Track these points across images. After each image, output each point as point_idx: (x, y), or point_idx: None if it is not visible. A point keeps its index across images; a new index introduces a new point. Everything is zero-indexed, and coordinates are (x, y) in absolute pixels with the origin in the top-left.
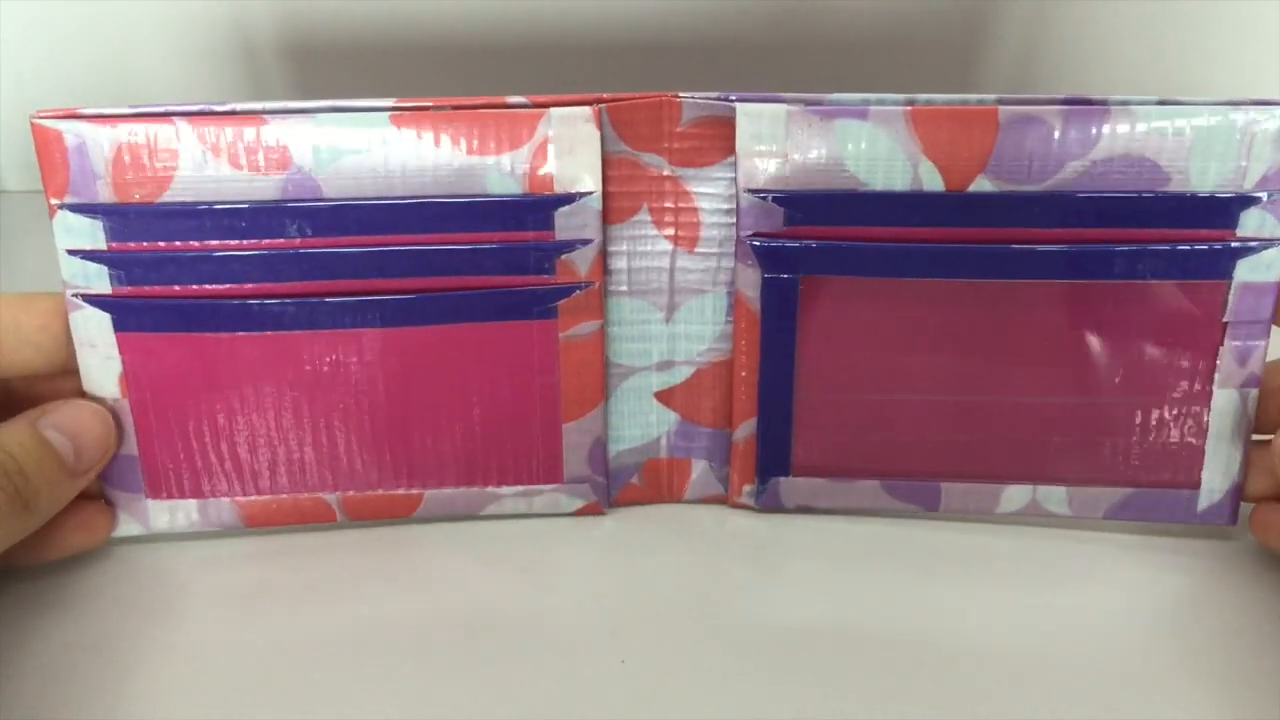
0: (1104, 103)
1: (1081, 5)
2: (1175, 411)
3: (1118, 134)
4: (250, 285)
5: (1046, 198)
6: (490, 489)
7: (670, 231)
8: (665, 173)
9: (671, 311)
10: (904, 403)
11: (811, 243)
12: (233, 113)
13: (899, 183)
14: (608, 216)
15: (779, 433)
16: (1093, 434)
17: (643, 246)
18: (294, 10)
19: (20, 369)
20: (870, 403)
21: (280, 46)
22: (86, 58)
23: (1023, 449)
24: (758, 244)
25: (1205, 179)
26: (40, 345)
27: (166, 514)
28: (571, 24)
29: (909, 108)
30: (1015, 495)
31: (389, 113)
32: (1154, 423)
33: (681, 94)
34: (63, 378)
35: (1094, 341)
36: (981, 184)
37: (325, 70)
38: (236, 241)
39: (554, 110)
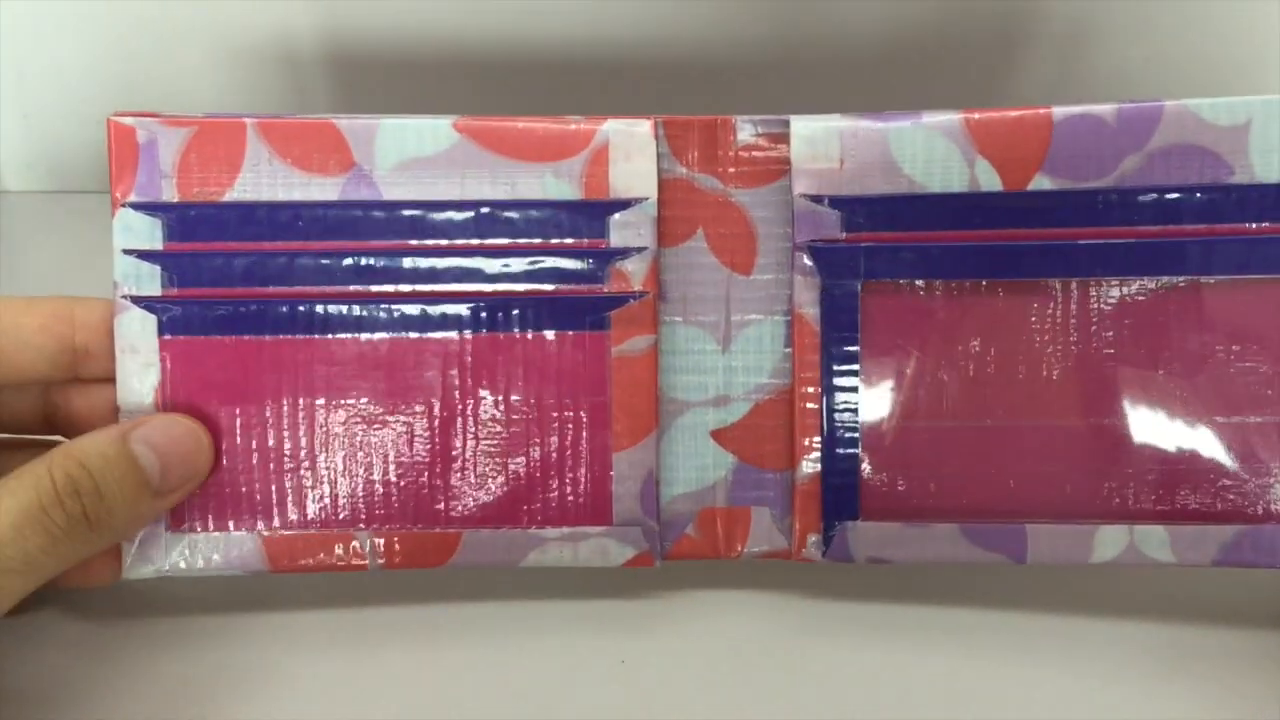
0: (1158, 100)
1: (1118, 38)
2: (1274, 429)
3: (1172, 126)
4: (300, 288)
5: (1107, 193)
6: (533, 530)
7: (727, 256)
8: (721, 195)
9: (727, 341)
10: (979, 430)
11: (871, 245)
12: (300, 118)
13: (956, 183)
14: (662, 239)
15: (846, 467)
16: (1190, 460)
17: (698, 271)
18: (340, 24)
19: (24, 373)
20: (942, 430)
21: (325, 62)
22: (122, 71)
23: (1114, 481)
24: (816, 248)
25: (1270, 169)
26: (42, 349)
27: (185, 550)
28: (616, 45)
29: (962, 115)
30: (1110, 539)
31: (451, 120)
32: (1256, 443)
33: (736, 115)
34: (76, 388)
35: (1182, 351)
36: (1040, 182)
37: (371, 85)
38: (290, 243)
39: (610, 122)
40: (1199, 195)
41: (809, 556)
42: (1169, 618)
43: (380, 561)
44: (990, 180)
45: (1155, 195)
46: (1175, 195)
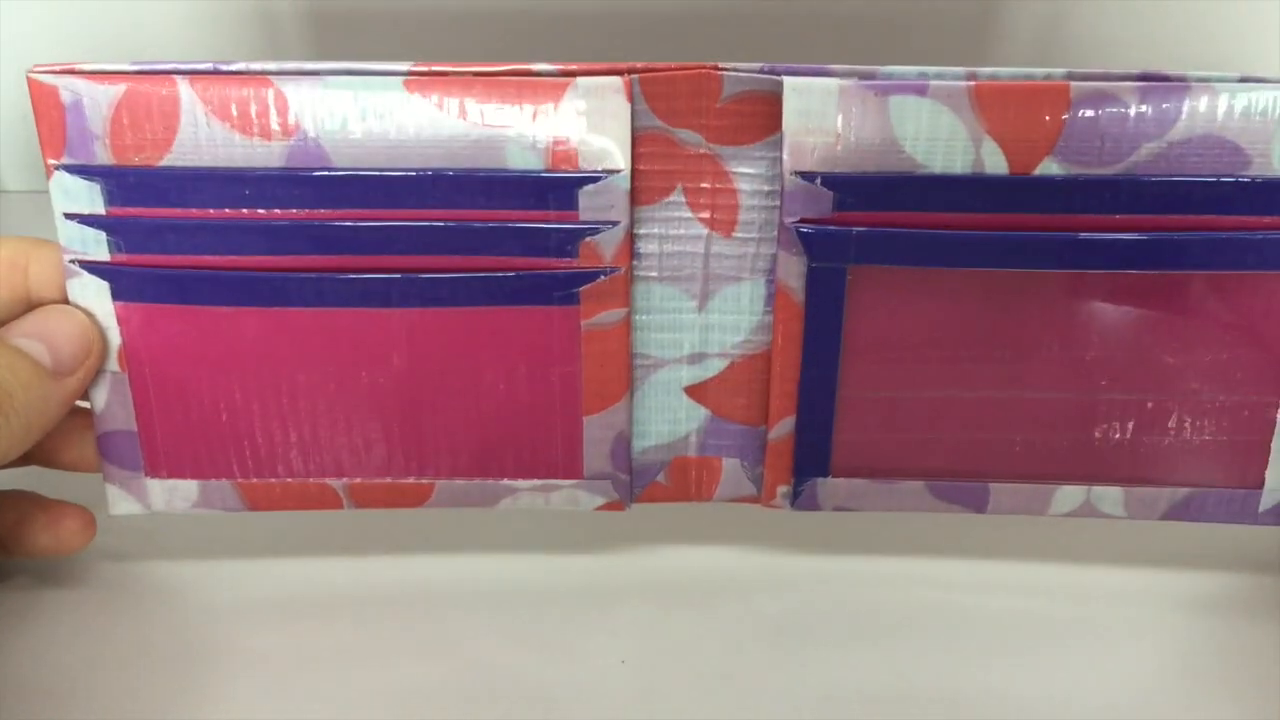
0: (1182, 79)
1: None
2: (1242, 409)
3: (1197, 113)
4: (252, 257)
5: (1118, 182)
6: (505, 481)
7: (706, 214)
8: (702, 151)
9: (705, 300)
10: (954, 400)
11: (863, 229)
12: (237, 73)
13: (959, 165)
14: (639, 197)
15: (819, 433)
16: (1153, 432)
17: (675, 230)
18: None
19: None
20: (918, 400)
21: (301, 11)
22: (95, 35)
23: (1077, 448)
24: (804, 230)
25: None
26: None
27: (165, 494)
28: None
29: (972, 83)
30: (1068, 496)
31: (402, 78)
32: (1218, 420)
33: (722, 66)
34: None
35: (1160, 335)
36: (1049, 166)
37: (347, 36)
38: (238, 210)
39: (581, 80)
40: (1212, 188)
41: (777, 505)
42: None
43: (354, 503)
44: (996, 163)
45: (1167, 188)
46: (1188, 189)
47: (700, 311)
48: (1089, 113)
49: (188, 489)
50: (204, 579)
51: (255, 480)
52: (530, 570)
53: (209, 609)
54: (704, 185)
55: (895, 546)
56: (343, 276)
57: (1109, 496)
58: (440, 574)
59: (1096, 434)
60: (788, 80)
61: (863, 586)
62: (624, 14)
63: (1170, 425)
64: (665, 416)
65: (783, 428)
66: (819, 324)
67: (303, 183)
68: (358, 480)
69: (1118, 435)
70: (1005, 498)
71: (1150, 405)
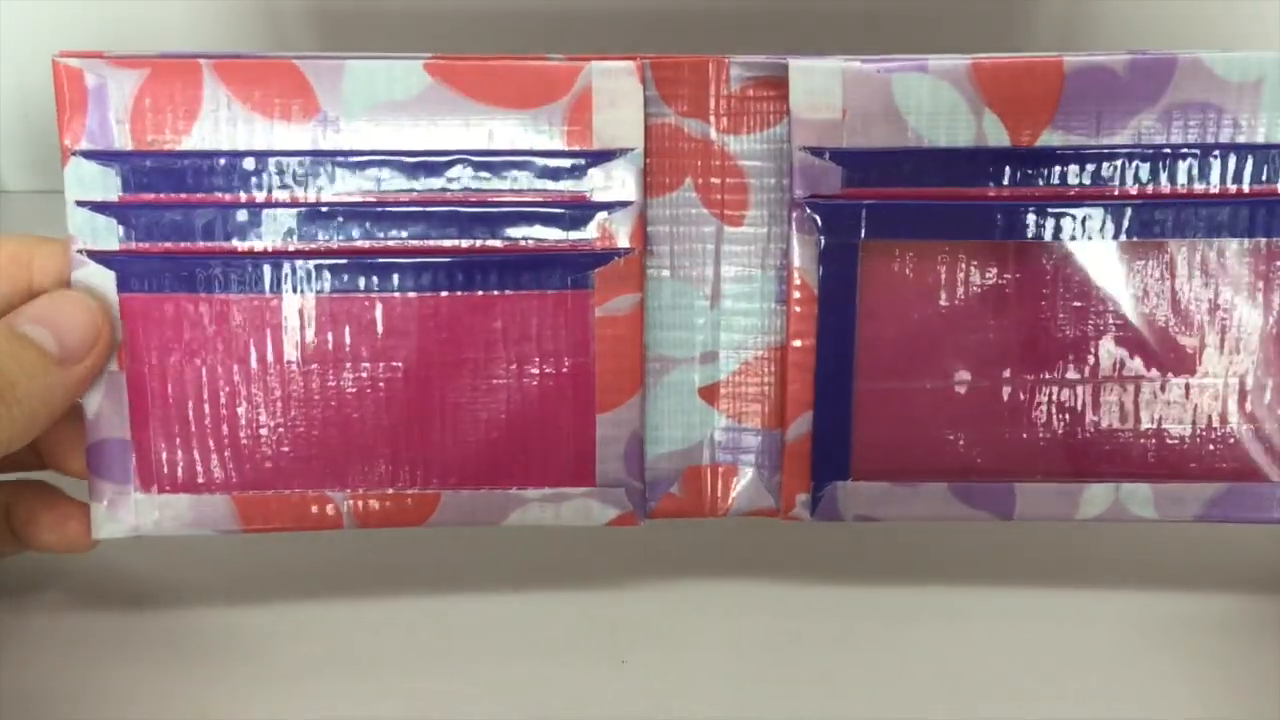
0: (1171, 53)
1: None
2: (1267, 391)
3: (1186, 83)
4: (266, 243)
5: (1116, 151)
6: (514, 491)
7: (716, 207)
8: (712, 141)
9: (717, 295)
10: (973, 391)
11: (873, 202)
12: (260, 57)
13: (962, 138)
14: (648, 189)
15: (838, 427)
16: (1180, 419)
17: (686, 223)
18: None
19: None
20: (936, 391)
21: (307, 9)
22: (96, 35)
23: (1103, 440)
24: (815, 205)
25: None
26: None
27: (155, 511)
28: None
29: (969, 60)
30: (1096, 496)
31: (423, 62)
32: (1244, 404)
33: (730, 56)
34: None
35: (1179, 313)
36: (1048, 138)
37: (352, 34)
38: (253, 194)
39: (595, 63)
40: (1208, 156)
41: (797, 516)
42: (1154, 585)
43: (356, 522)
44: (998, 135)
45: (1164, 156)
46: (1185, 156)
47: (712, 308)
48: (1083, 84)
49: (179, 505)
50: (203, 582)
51: (252, 493)
52: (538, 605)
53: (207, 607)
54: (714, 177)
55: (913, 572)
56: (355, 260)
57: (1138, 495)
58: (446, 611)
59: (1121, 421)
60: (793, 62)
61: (880, 617)
62: (633, 13)
63: (1194, 412)
64: (679, 421)
65: (800, 425)
66: (833, 306)
67: (320, 165)
68: (360, 492)
69: (1144, 423)
70: (1032, 500)
71: (1174, 388)
